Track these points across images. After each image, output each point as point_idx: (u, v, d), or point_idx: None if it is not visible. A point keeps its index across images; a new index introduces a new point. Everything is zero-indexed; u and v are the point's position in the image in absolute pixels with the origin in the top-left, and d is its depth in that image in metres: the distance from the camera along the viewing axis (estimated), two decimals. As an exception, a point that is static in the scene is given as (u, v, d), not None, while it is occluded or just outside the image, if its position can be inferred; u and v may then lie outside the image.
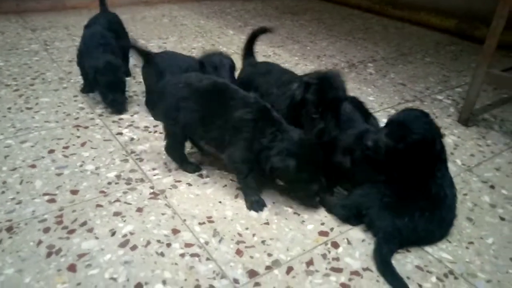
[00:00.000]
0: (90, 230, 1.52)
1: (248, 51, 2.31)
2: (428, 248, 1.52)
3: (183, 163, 1.89)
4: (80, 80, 2.74)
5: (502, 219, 1.71)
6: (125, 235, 1.50)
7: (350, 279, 1.37)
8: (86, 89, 2.58)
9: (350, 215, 1.60)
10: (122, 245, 1.46)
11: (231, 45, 3.66)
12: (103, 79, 2.27)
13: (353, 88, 2.89)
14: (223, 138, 1.67)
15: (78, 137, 2.11)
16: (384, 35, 4.26)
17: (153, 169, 1.89)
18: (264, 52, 3.51)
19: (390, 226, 1.49)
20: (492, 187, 1.91)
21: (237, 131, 1.63)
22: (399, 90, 2.93)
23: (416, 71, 3.30)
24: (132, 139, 2.12)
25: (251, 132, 1.60)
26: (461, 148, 2.23)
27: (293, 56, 3.48)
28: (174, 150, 1.87)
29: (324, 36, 4.13)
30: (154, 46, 3.46)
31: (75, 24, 3.94)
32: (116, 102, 2.34)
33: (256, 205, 1.67)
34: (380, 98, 2.78)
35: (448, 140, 2.30)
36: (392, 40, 4.09)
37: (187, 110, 1.70)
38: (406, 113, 1.56)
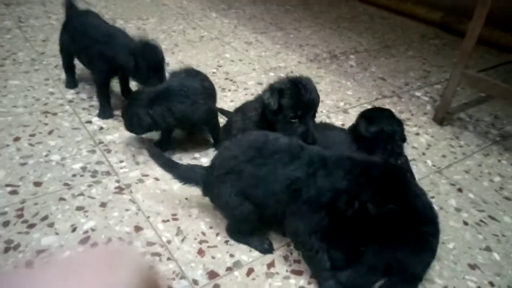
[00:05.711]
0: (51, 225, 1.49)
1: None
2: (390, 252, 1.54)
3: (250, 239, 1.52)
4: (52, 61, 2.66)
5: (466, 223, 1.73)
6: (86, 232, 1.48)
7: (309, 283, 1.38)
8: (72, 84, 2.41)
9: None
10: (83, 242, 1.44)
11: (212, 29, 3.58)
12: (145, 61, 1.97)
13: (332, 81, 2.87)
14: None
15: (46, 124, 2.05)
16: (370, 25, 4.22)
17: (120, 161, 1.86)
18: (246, 38, 3.45)
19: None
20: (459, 190, 1.94)
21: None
22: (378, 85, 2.92)
23: (397, 65, 3.29)
24: (101, 128, 2.07)
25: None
26: (433, 148, 2.25)
27: (275, 44, 3.42)
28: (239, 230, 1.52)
29: (309, 23, 4.07)
30: (132, 28, 3.36)
31: (53, 0, 3.80)
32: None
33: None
34: (358, 92, 2.77)
35: (421, 140, 2.31)
36: (377, 31, 4.06)
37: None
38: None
